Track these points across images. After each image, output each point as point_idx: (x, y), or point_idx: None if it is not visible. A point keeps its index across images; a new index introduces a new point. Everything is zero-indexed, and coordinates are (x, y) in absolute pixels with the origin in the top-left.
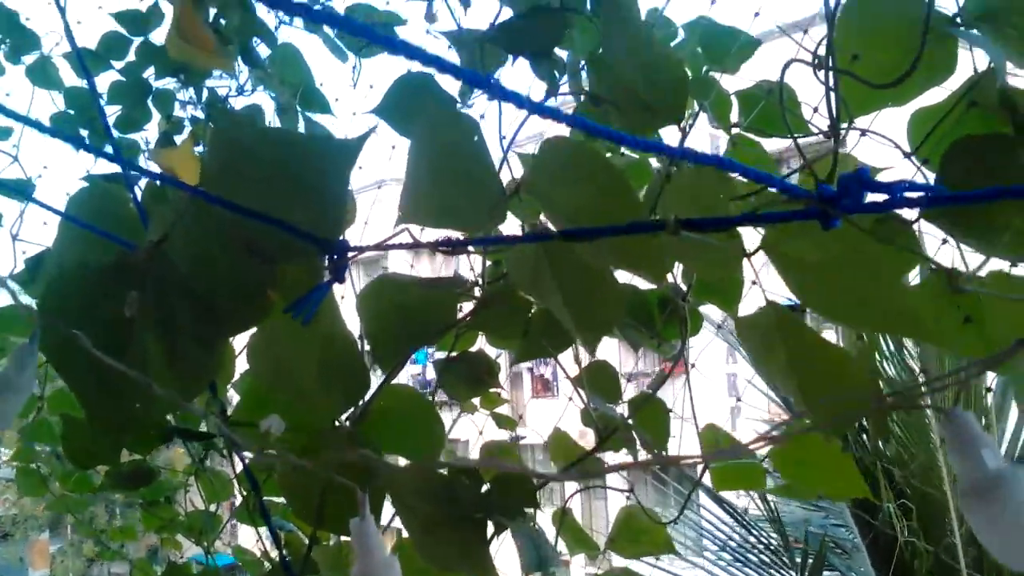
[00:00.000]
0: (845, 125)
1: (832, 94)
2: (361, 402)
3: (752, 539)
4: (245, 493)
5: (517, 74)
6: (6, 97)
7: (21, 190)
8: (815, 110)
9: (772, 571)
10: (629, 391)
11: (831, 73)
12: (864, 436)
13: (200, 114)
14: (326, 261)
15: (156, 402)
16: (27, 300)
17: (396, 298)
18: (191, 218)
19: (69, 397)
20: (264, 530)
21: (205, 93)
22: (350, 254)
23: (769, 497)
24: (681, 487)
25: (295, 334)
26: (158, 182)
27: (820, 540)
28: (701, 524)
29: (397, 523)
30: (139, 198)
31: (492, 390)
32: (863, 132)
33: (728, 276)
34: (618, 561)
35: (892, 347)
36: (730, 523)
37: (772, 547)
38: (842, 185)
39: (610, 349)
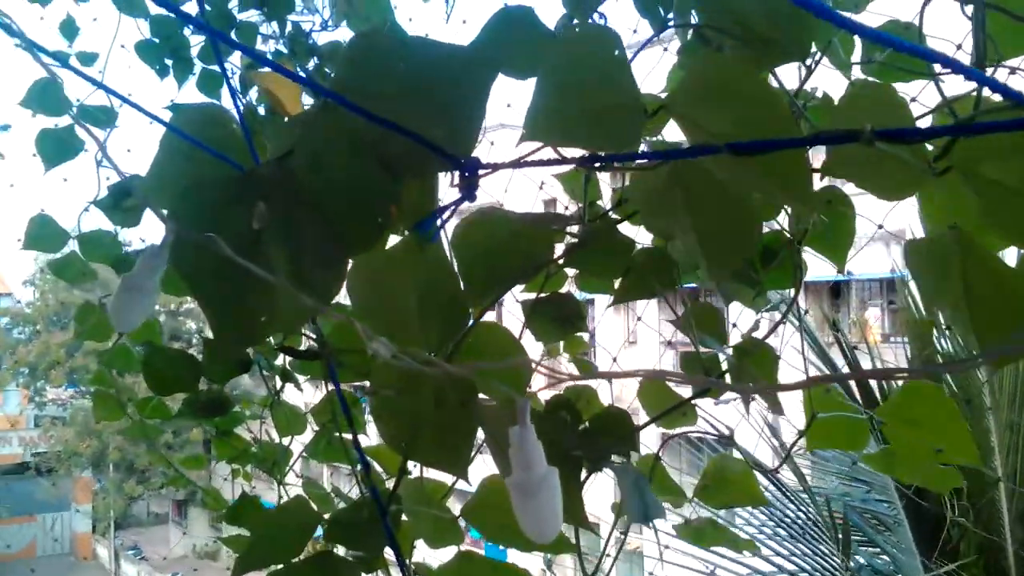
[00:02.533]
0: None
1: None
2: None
3: (791, 508)
4: (318, 428)
5: (621, 11)
6: (92, 23)
7: (105, 117)
8: (959, 47)
9: (821, 545)
10: (668, 358)
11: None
12: None
13: (283, 48)
14: (454, 178)
15: (279, 315)
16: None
17: (493, 234)
18: (317, 131)
19: (150, 325)
20: (326, 470)
21: (288, 27)
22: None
23: (806, 471)
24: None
25: (398, 264)
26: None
27: (844, 509)
28: None
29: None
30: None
31: (578, 334)
32: (1012, 71)
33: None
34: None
35: None
36: (776, 493)
37: (812, 518)
38: None
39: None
